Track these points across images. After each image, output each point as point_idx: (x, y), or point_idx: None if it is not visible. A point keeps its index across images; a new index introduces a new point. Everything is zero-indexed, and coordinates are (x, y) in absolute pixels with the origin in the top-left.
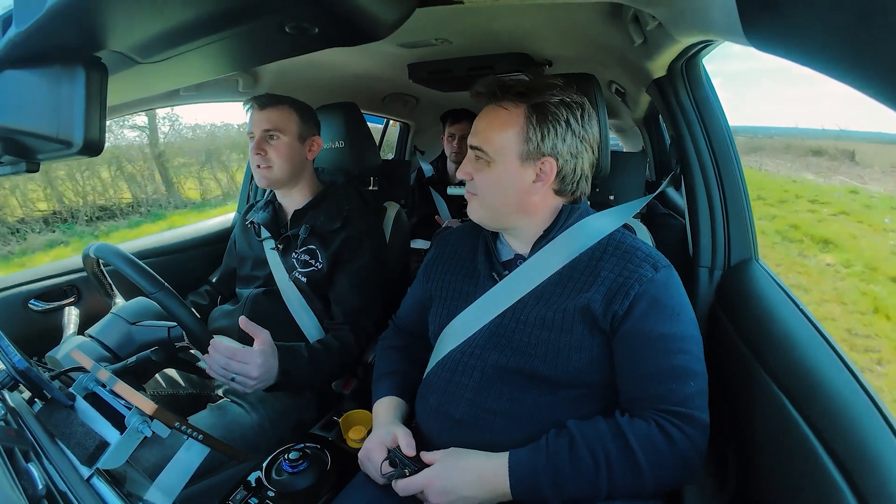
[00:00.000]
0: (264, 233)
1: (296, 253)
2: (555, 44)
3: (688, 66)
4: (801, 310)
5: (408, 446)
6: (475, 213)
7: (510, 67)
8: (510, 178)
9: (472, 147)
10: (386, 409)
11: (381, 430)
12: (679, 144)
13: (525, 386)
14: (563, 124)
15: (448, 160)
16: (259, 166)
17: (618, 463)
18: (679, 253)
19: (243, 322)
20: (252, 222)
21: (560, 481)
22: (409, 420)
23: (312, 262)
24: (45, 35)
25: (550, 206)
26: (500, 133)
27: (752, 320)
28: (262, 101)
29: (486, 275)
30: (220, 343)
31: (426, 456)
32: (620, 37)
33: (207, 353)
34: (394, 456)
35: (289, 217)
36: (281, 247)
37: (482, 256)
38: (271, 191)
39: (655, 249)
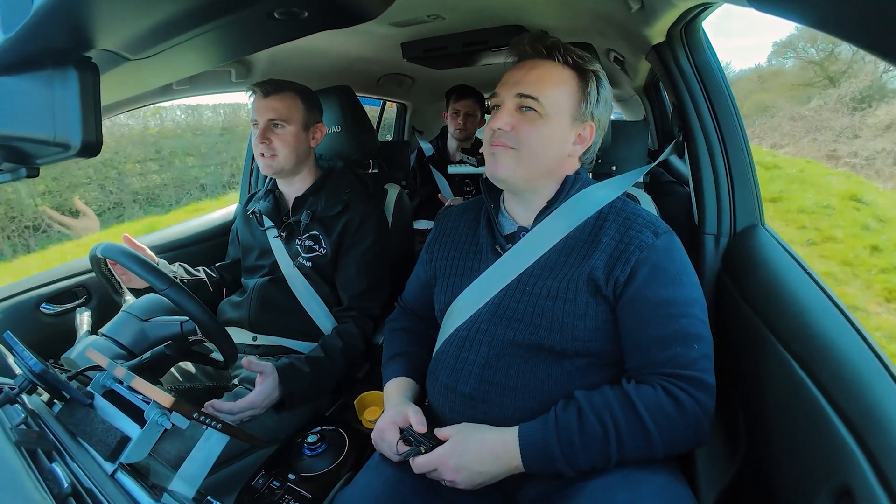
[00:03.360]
0: (267, 222)
1: (299, 239)
2: (550, 14)
3: (687, 31)
4: (808, 274)
5: (419, 423)
6: (508, 168)
7: (505, 41)
8: (559, 136)
9: (521, 96)
10: (396, 389)
11: (392, 410)
12: (681, 111)
13: (532, 358)
14: (608, 94)
15: (449, 137)
16: (263, 155)
17: (627, 430)
18: (684, 221)
19: (246, 363)
20: (254, 212)
21: (571, 452)
22: (420, 400)
23: (316, 247)
24: (34, 39)
25: (568, 171)
26: (557, 88)
27: (759, 286)
28: (267, 88)
29: (490, 249)
30: (221, 405)
31: (439, 432)
32: (617, 3)
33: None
34: (408, 434)
35: (290, 205)
36: (284, 234)
37: (484, 231)
38: (272, 179)
39: (657, 216)
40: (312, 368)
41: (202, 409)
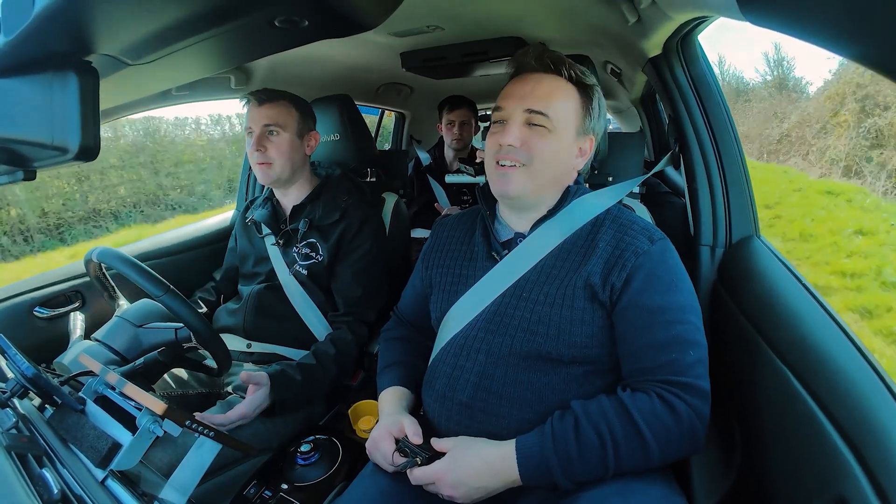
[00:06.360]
0: (265, 229)
1: (296, 247)
2: (548, 26)
3: (683, 44)
4: (803, 285)
5: (414, 434)
6: (520, 185)
7: (504, 52)
8: (565, 151)
9: (531, 111)
10: (391, 399)
11: (387, 420)
12: (677, 123)
13: (529, 367)
14: (603, 108)
15: (446, 147)
16: (260, 163)
17: (623, 439)
18: (680, 232)
19: (245, 377)
20: (252, 220)
21: (568, 465)
22: (415, 410)
23: (313, 254)
24: (35, 42)
25: (569, 182)
26: (564, 103)
27: (754, 297)
28: (261, 97)
29: (486, 256)
30: (212, 417)
31: (437, 443)
32: (614, 16)
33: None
34: (403, 446)
35: (288, 212)
36: (282, 242)
37: (480, 238)
38: (269, 187)
39: (652, 224)
40: (304, 376)
41: (194, 417)
